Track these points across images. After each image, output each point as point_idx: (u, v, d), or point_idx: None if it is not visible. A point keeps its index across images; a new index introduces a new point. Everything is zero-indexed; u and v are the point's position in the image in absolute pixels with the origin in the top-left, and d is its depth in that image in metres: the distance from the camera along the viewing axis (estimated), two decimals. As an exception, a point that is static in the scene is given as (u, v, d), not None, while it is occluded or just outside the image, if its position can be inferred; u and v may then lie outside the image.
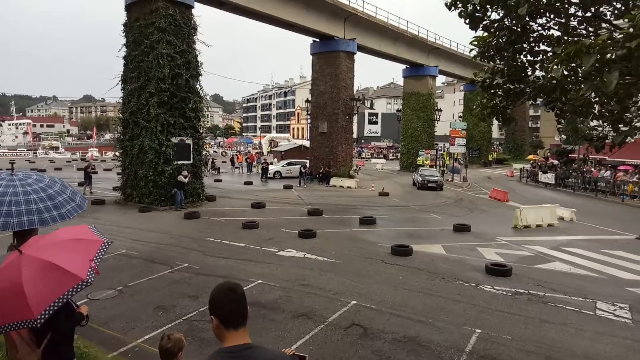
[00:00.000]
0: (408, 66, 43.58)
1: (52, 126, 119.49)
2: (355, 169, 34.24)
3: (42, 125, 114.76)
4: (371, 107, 79.38)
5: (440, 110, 44.79)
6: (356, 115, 35.26)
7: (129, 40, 21.19)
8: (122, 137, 21.84)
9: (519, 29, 6.61)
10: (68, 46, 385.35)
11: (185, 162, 20.91)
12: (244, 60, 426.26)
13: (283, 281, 10.12)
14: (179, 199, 19.78)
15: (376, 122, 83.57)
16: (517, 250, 14.14)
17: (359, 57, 33.66)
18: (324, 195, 25.90)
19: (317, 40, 32.67)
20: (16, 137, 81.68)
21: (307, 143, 41.70)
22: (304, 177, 30.76)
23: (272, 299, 9.06)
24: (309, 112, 34.66)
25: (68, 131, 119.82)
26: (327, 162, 31.88)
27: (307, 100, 35.02)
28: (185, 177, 19.94)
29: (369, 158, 66.12)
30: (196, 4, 21.64)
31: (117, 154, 23.29)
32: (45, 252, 3.21)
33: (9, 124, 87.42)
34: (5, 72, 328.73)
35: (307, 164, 32.62)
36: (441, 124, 46.25)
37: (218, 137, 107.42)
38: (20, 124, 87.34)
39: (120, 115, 22.22)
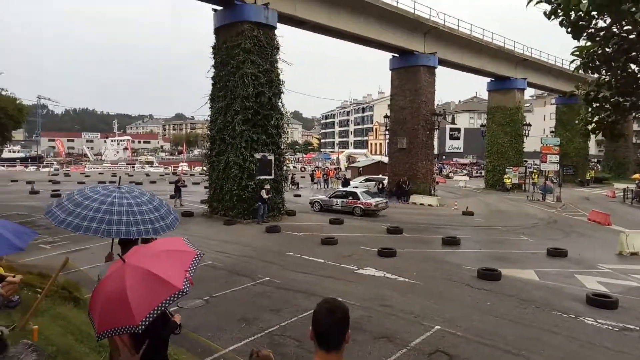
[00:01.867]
0: (493, 79, 41.68)
1: (148, 142, 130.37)
2: (433, 186, 33.02)
3: (139, 142, 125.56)
4: (453, 122, 77.08)
5: (529, 125, 42.15)
6: (437, 130, 34.27)
7: (217, 62, 22.48)
8: (209, 152, 23.08)
9: (632, 36, 5.95)
10: (163, 69, 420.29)
11: (267, 177, 21.54)
12: (322, 78, 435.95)
13: (363, 300, 9.90)
14: (261, 212, 20.33)
15: (458, 138, 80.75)
16: (623, 280, 12.66)
17: (440, 71, 32.86)
18: (403, 212, 25.30)
19: (397, 55, 32.40)
20: (117, 152, 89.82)
21: (385, 159, 41.24)
22: (383, 194, 30.32)
23: (352, 318, 8.74)
24: (387, 128, 34.32)
25: (161, 147, 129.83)
26: (403, 178, 31.14)
27: (385, 116, 34.72)
28: (267, 192, 20.49)
29: (450, 175, 63.89)
30: (278, 25, 22.47)
31: (204, 168, 24.62)
32: (146, 261, 3.37)
33: (112, 140, 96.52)
34: (110, 93, 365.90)
35: (385, 180, 32.09)
36: (530, 139, 43.41)
37: (297, 153, 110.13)
38: (121, 140, 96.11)
39: (208, 132, 23.53)
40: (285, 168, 24.52)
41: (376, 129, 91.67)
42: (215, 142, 22.35)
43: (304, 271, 12.27)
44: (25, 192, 30.26)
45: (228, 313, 8.94)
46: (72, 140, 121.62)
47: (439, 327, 8.49)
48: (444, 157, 79.02)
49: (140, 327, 3.03)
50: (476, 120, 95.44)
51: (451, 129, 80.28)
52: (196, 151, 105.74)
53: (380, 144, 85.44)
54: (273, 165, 21.95)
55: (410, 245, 16.26)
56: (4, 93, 22.64)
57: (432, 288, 11.07)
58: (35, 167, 65.15)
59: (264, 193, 20.40)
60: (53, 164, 71.29)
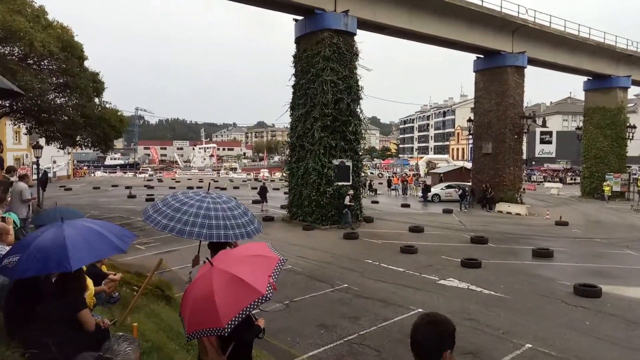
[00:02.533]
0: (590, 78, 38.31)
1: (232, 149, 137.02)
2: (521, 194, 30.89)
3: (224, 149, 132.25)
4: (543, 125, 71.76)
5: (634, 126, 38.10)
6: (526, 134, 32.18)
7: (297, 70, 23.02)
8: (289, 159, 23.66)
9: None
10: (246, 78, 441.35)
11: (345, 183, 21.57)
12: (401, 82, 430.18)
13: (446, 312, 9.30)
14: (349, 219, 20.50)
15: (550, 142, 75.18)
16: None
17: (529, 70, 30.86)
18: (488, 221, 24.01)
19: (481, 56, 30.98)
20: (204, 159, 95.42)
21: (468, 165, 39.53)
22: (466, 201, 29.03)
23: (433, 331, 8.51)
24: (471, 132, 32.87)
25: (244, 154, 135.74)
26: (487, 185, 29.57)
27: (469, 120, 33.29)
28: (350, 198, 20.68)
29: (541, 182, 59.62)
30: (358, 31, 22.48)
31: (284, 174, 25.26)
32: (232, 265, 3.47)
33: (199, 148, 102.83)
34: (198, 104, 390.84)
35: (469, 187, 30.72)
36: (635, 142, 39.23)
37: (375, 159, 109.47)
38: (207, 148, 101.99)
39: (288, 139, 24.13)
40: (363, 174, 24.42)
41: (458, 133, 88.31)
42: (295, 149, 22.86)
43: (382, 279, 12.04)
44: (124, 197, 33.10)
45: (307, 318, 9.00)
46: (165, 148, 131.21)
47: (529, 345, 7.88)
48: (533, 162, 73.89)
49: (226, 330, 3.12)
50: (570, 122, 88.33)
51: (542, 133, 74.91)
52: (276, 158, 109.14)
53: (463, 149, 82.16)
54: (351, 172, 21.95)
55: (497, 256, 15.33)
56: (107, 106, 24.90)
57: (522, 303, 10.31)
58: (133, 173, 71.10)
59: (347, 199, 20.47)
60: (148, 170, 77.45)
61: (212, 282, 3.30)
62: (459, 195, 29.51)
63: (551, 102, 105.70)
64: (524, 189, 32.27)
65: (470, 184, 31.43)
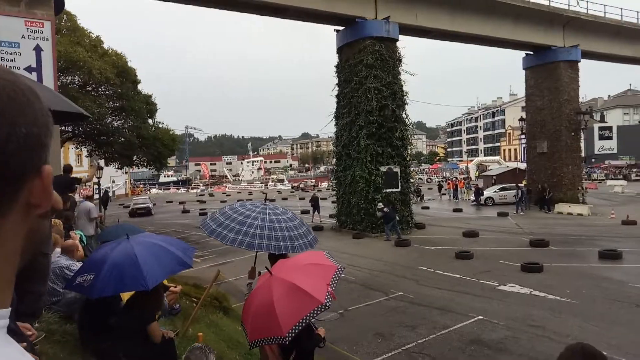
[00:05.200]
0: (652, 67, 35.92)
1: (278, 162, 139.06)
2: (582, 193, 29.17)
3: (270, 162, 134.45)
4: (602, 120, 68.20)
5: None
6: (584, 131, 30.55)
7: (340, 80, 23.11)
8: (336, 168, 23.69)
9: None
10: (290, 91, 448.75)
11: (394, 189, 21.28)
12: (446, 85, 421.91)
13: (508, 319, 9.06)
14: (387, 230, 19.35)
15: (610, 137, 71.03)
16: None
17: (583, 64, 29.34)
18: (547, 223, 22.86)
19: (531, 52, 29.81)
20: (252, 172, 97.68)
21: (522, 165, 37.98)
22: (522, 203, 27.80)
23: (496, 339, 8.17)
24: (523, 132, 31.62)
25: (290, 165, 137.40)
26: (544, 185, 28.20)
27: (520, 119, 32.06)
28: (379, 210, 19.21)
29: (602, 179, 56.31)
30: (400, 36, 22.30)
31: (331, 183, 25.32)
32: (291, 274, 3.49)
33: (247, 162, 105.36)
34: (245, 119, 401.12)
35: (524, 188, 29.40)
36: None
37: (422, 164, 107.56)
38: (255, 161, 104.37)
39: (334, 148, 24.19)
40: (412, 180, 24.01)
41: (509, 133, 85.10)
42: (341, 158, 22.87)
43: (438, 286, 11.72)
44: (178, 212, 34.34)
45: (363, 327, 8.89)
46: (214, 164, 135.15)
47: (604, 353, 7.35)
48: (593, 160, 69.98)
49: (287, 338, 3.13)
50: (632, 116, 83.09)
51: (601, 128, 70.98)
52: (322, 167, 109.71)
53: (515, 149, 79.04)
54: (399, 178, 21.65)
55: (559, 259, 14.53)
56: (160, 125, 26.09)
57: (591, 308, 9.69)
58: (185, 189, 73.72)
59: (378, 214, 19.29)
60: (199, 185, 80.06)
61: (272, 291, 3.34)
62: (515, 198, 28.31)
63: (609, 96, 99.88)
64: (585, 187, 30.57)
65: (524, 185, 30.10)
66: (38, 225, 0.60)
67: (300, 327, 3.19)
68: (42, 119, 0.57)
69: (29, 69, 9.06)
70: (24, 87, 0.57)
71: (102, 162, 25.99)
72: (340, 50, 23.41)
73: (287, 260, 3.93)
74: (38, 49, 9.46)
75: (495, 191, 33.22)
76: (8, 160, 0.52)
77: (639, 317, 9.12)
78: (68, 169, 8.86)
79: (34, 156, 0.56)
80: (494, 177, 41.22)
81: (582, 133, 30.07)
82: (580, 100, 32.15)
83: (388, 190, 21.08)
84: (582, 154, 31.18)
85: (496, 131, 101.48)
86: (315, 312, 3.30)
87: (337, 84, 23.40)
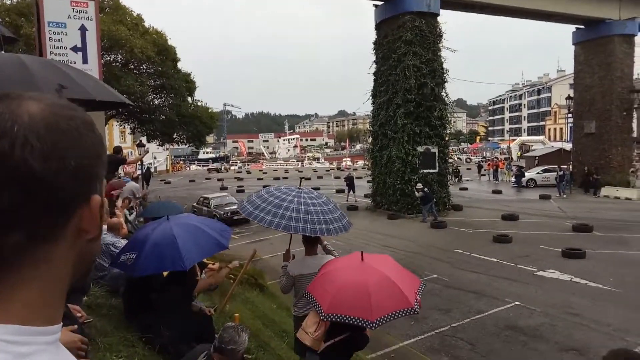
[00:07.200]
0: None
1: (314, 139, 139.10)
2: (631, 175, 27.68)
3: (306, 139, 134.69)
4: (657, 99, 63.77)
5: None
6: (637, 110, 28.84)
7: (378, 57, 22.66)
8: (372, 147, 23.47)
9: None
10: (326, 68, 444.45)
11: (431, 170, 20.93)
12: (490, 61, 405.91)
13: (545, 306, 8.88)
14: (425, 212, 19.06)
15: (665, 116, 66.68)
16: None
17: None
18: (592, 207, 21.96)
19: (581, 27, 28.15)
20: (288, 150, 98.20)
21: (567, 146, 36.38)
22: (565, 185, 26.70)
23: (532, 325, 8.05)
24: (570, 111, 30.19)
25: (326, 143, 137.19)
26: (590, 168, 26.99)
27: (568, 97, 30.56)
28: (418, 190, 18.86)
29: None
30: (442, 11, 21.54)
31: (367, 163, 25.13)
32: (385, 269, 3.55)
33: (284, 140, 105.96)
34: (279, 96, 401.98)
35: (567, 170, 28.20)
36: None
37: (462, 143, 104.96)
38: (291, 139, 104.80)
39: (371, 127, 23.93)
40: (450, 160, 23.52)
41: (555, 112, 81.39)
42: (377, 137, 22.63)
43: (474, 270, 11.58)
44: (217, 189, 35.12)
45: (396, 309, 8.94)
46: (251, 141, 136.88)
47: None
48: (645, 140, 66.03)
49: (374, 325, 3.17)
50: (691, 93, 77.38)
51: (655, 107, 66.61)
52: (358, 146, 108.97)
53: (561, 129, 75.60)
54: (437, 158, 21.25)
55: (604, 245, 13.98)
56: (199, 104, 26.55)
57: (635, 298, 9.33)
58: (223, 167, 75.14)
59: (417, 193, 18.95)
60: (237, 162, 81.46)
61: (366, 275, 3.41)
62: (556, 180, 27.23)
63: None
64: (636, 170, 29.03)
65: (568, 166, 28.87)
66: (88, 248, 0.64)
67: (387, 320, 3.24)
68: (94, 151, 0.61)
69: (74, 48, 9.36)
70: (79, 121, 0.60)
71: (144, 139, 26.82)
72: (378, 27, 22.89)
73: (373, 255, 3.99)
74: (83, 29, 9.73)
75: (537, 172, 32.04)
76: (57, 191, 0.56)
77: (687, 309, 8.72)
78: (118, 150, 9.65)
79: (83, 187, 0.59)
80: (537, 157, 39.74)
81: (634, 112, 28.43)
82: (635, 77, 30.28)
83: (425, 170, 20.75)
84: (634, 135, 29.55)
85: (541, 109, 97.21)
86: (404, 312, 3.35)
87: (374, 62, 22.98)
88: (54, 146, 0.55)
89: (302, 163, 76.08)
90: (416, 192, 19.08)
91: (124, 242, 4.87)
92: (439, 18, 21.48)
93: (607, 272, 11.08)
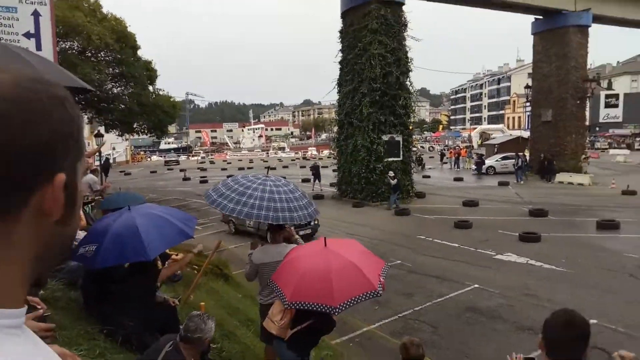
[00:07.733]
0: (663, 33, 34.99)
1: (280, 129, 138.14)
2: (583, 162, 28.99)
3: (271, 129, 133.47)
4: (609, 88, 66.97)
5: None
6: (590, 99, 30.14)
7: (344, 46, 22.68)
8: (338, 136, 23.58)
9: None
10: (291, 57, 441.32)
11: (395, 159, 21.25)
12: (452, 51, 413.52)
13: (503, 288, 9.26)
14: (393, 199, 19.50)
15: (616, 105, 69.84)
16: None
17: (593, 30, 28.62)
18: (547, 193, 22.94)
19: (540, 17, 29.06)
20: (253, 140, 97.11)
21: (526, 134, 37.74)
22: (522, 172, 27.74)
23: (491, 307, 8.38)
24: (529, 99, 31.27)
25: (292, 133, 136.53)
26: (546, 155, 28.12)
27: (526, 86, 31.61)
28: (392, 178, 19.33)
29: (605, 149, 56.00)
30: (407, 0, 21.71)
31: (331, 152, 25.23)
32: (348, 253, 3.55)
33: (248, 129, 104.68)
34: (245, 85, 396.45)
35: (526, 157, 29.29)
36: None
37: (425, 132, 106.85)
38: (255, 129, 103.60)
39: (336, 116, 24.00)
40: (414, 149, 23.94)
41: (514, 101, 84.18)
42: (343, 126, 22.73)
43: (436, 255, 11.92)
44: (179, 179, 34.49)
45: (361, 294, 9.10)
46: (215, 131, 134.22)
47: (595, 321, 7.53)
48: (597, 128, 69.29)
49: (338, 310, 3.19)
50: None
51: (607, 96, 69.72)
52: (324, 135, 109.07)
53: (519, 117, 78.33)
54: (401, 147, 21.58)
55: (557, 229, 14.67)
56: (160, 92, 25.83)
57: (586, 278, 9.88)
58: (186, 157, 73.67)
59: (391, 181, 19.37)
60: (200, 153, 79.94)
61: (329, 261, 3.39)
62: (514, 167, 28.26)
63: (618, 62, 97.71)
64: (587, 157, 30.44)
65: (524, 154, 29.95)
66: (56, 231, 0.60)
67: (350, 305, 3.25)
68: (61, 127, 0.58)
69: (27, 34, 8.87)
70: (47, 94, 0.57)
71: (102, 129, 25.90)
72: (344, 15, 22.87)
73: (338, 240, 4.00)
74: (36, 14, 9.23)
75: (497, 160, 33.13)
76: (15, 165, 0.53)
77: (631, 286, 9.30)
78: None
79: (46, 164, 0.56)
80: (496, 145, 41.02)
81: (588, 101, 29.72)
82: (588, 67, 31.58)
83: (390, 159, 21.05)
84: (587, 123, 30.91)
85: (501, 98, 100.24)
86: (367, 295, 3.36)
87: (340, 50, 22.97)
88: (13, 118, 0.53)
89: (267, 153, 75.56)
90: (391, 180, 19.34)
91: (82, 234, 4.73)
92: (404, 7, 21.66)
93: (560, 254, 11.64)
